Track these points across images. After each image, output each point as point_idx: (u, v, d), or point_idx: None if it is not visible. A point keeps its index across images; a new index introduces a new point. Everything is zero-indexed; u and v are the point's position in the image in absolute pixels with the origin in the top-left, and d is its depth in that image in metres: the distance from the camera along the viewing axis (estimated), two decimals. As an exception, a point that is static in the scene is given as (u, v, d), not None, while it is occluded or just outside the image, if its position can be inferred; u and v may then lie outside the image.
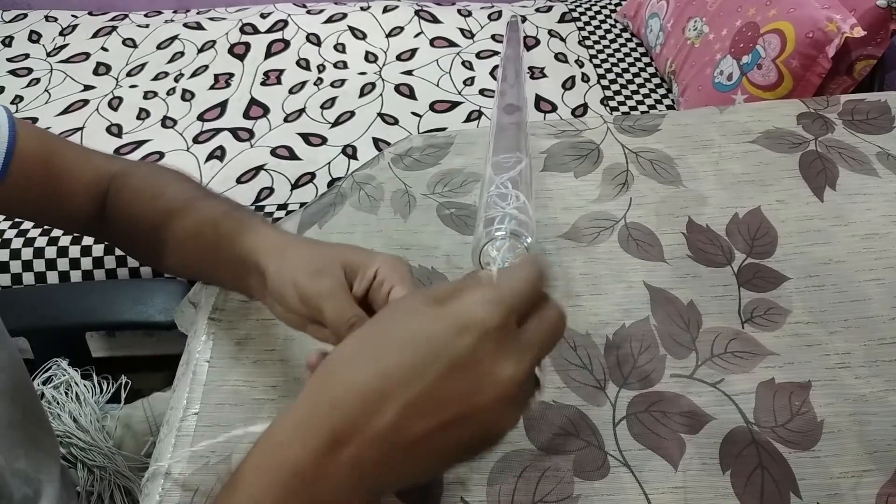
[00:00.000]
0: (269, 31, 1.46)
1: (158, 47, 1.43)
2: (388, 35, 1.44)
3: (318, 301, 0.37)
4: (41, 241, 1.03)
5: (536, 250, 0.36)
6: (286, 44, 1.42)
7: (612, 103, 1.26)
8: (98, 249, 1.02)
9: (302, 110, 1.26)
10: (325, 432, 0.26)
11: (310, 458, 0.26)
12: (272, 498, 0.26)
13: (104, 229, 0.52)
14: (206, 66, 1.37)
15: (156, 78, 1.35)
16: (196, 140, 1.21)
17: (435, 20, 1.47)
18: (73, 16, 1.53)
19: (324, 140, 1.19)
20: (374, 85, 1.31)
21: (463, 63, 1.36)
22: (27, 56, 1.42)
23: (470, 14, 1.49)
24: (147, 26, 1.48)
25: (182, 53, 1.41)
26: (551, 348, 0.29)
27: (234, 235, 0.43)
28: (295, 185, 1.11)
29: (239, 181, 1.12)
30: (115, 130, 1.23)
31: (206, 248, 0.45)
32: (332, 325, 0.37)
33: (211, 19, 1.50)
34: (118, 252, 1.02)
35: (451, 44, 1.41)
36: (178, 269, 0.51)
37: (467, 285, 0.28)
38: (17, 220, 1.07)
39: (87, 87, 1.33)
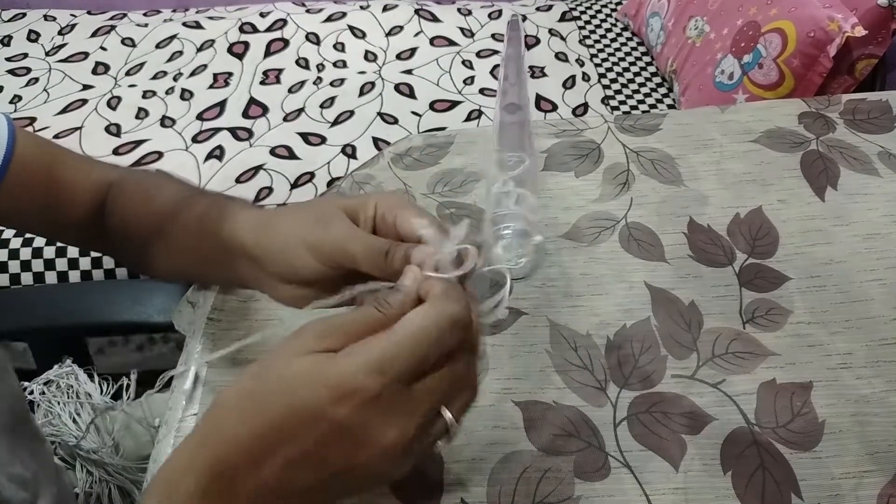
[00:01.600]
0: (269, 30, 1.45)
1: (157, 46, 1.42)
2: (388, 34, 1.44)
3: (341, 245, 0.35)
4: (40, 241, 1.02)
5: (542, 248, 0.36)
6: (285, 43, 1.42)
7: (613, 102, 1.26)
8: (97, 249, 1.02)
9: (301, 110, 1.26)
10: (214, 477, 0.27)
11: (199, 495, 0.27)
12: None
13: (103, 240, 0.51)
14: (205, 66, 1.36)
15: (155, 77, 1.35)
16: (195, 139, 1.20)
17: (435, 19, 1.47)
18: (71, 15, 1.52)
19: (323, 139, 1.19)
20: (373, 84, 1.30)
21: (463, 62, 1.36)
22: (26, 55, 1.41)
23: (470, 13, 1.49)
24: (146, 25, 1.48)
25: (181, 53, 1.40)
26: (465, 396, 0.29)
27: (215, 226, 0.41)
28: (294, 185, 1.11)
29: (238, 181, 1.12)
30: (113, 130, 1.23)
31: (193, 246, 0.44)
32: (367, 262, 0.34)
33: (210, 18, 1.49)
34: (117, 252, 1.02)
35: (451, 43, 1.41)
36: (171, 273, 0.50)
37: (354, 346, 0.28)
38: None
39: (86, 87, 1.33)
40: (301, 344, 0.28)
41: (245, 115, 1.25)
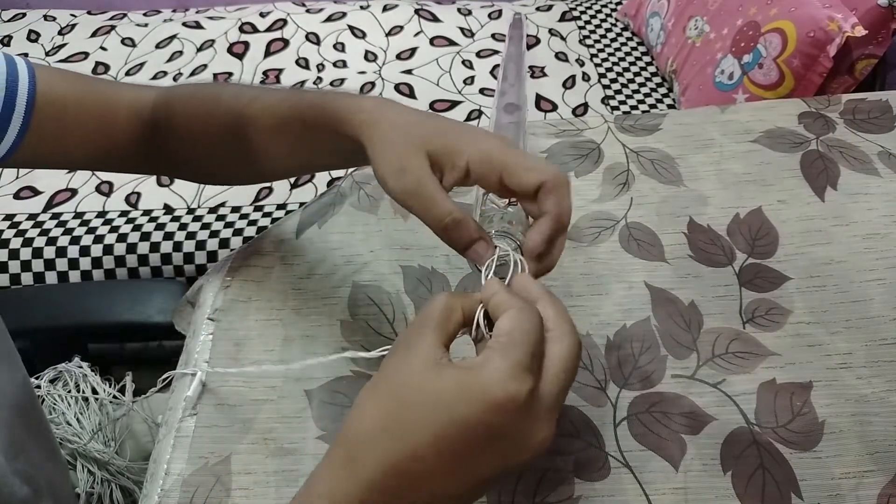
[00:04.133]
0: (269, 30, 1.45)
1: (157, 46, 1.42)
2: (388, 34, 1.44)
3: (404, 201, 0.36)
4: (40, 242, 1.03)
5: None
6: (285, 43, 1.42)
7: (613, 102, 1.26)
8: (97, 250, 1.02)
9: (301, 109, 1.26)
10: None
11: None
12: None
13: (159, 156, 0.50)
14: (205, 66, 1.36)
15: (155, 77, 1.35)
16: (195, 139, 1.20)
17: (435, 19, 1.47)
18: (71, 15, 1.52)
19: (323, 139, 1.19)
20: (373, 84, 1.30)
21: (463, 62, 1.36)
22: (26, 55, 1.41)
23: (470, 13, 1.49)
24: (146, 25, 1.48)
25: (181, 53, 1.40)
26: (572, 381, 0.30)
27: (330, 126, 0.40)
28: (294, 185, 1.11)
29: (238, 181, 1.12)
30: (114, 130, 1.23)
31: (301, 142, 0.43)
32: (428, 225, 0.36)
33: (210, 18, 1.49)
34: (117, 252, 1.02)
35: (451, 43, 1.41)
36: (266, 172, 0.49)
37: (490, 354, 0.28)
38: (21, 213, 1.07)
39: (86, 87, 1.33)
40: (427, 354, 0.29)
41: (245, 115, 1.25)
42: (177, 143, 0.49)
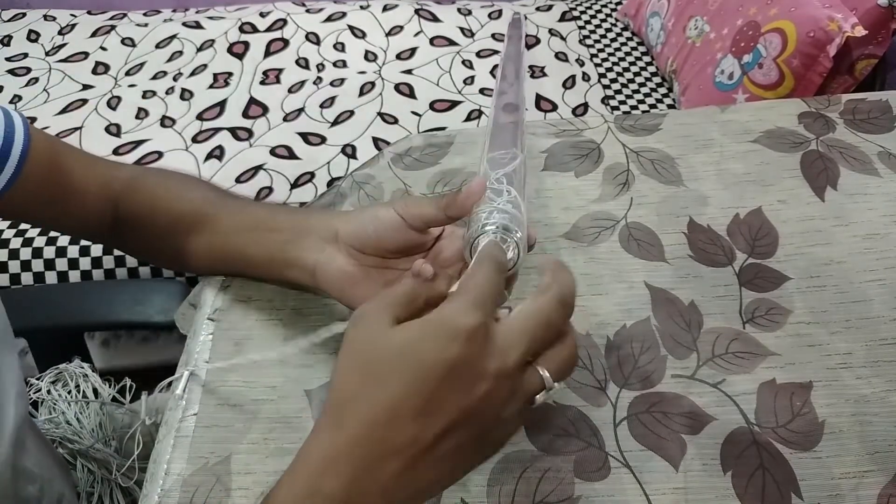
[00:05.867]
0: (269, 30, 1.45)
1: (157, 46, 1.42)
2: (388, 34, 1.44)
3: (407, 209, 0.41)
4: (39, 241, 1.03)
5: (523, 244, 0.37)
6: (285, 43, 1.42)
7: (613, 102, 1.26)
8: (97, 249, 1.02)
9: (301, 109, 1.26)
10: (349, 462, 0.29)
11: (338, 486, 0.29)
12: None
13: (115, 234, 0.53)
14: (205, 66, 1.36)
15: (154, 77, 1.35)
16: (195, 139, 1.21)
17: (435, 19, 1.47)
18: (71, 15, 1.53)
19: (323, 139, 1.19)
20: (373, 84, 1.30)
21: (463, 62, 1.36)
22: (26, 55, 1.41)
23: (470, 13, 1.49)
24: (146, 25, 1.48)
25: (181, 52, 1.40)
26: (547, 335, 0.31)
27: (278, 250, 0.46)
28: (294, 185, 1.11)
29: (238, 181, 1.12)
30: (113, 130, 1.23)
31: (243, 256, 0.47)
32: (426, 220, 0.41)
33: (210, 18, 1.49)
34: (117, 252, 1.02)
35: (451, 43, 1.41)
36: (204, 271, 0.53)
37: (444, 302, 0.31)
38: (13, 220, 1.07)
39: (86, 87, 1.33)
40: (381, 317, 0.31)
41: (245, 115, 1.25)
42: (132, 221, 0.51)
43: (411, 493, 0.30)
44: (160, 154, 1.17)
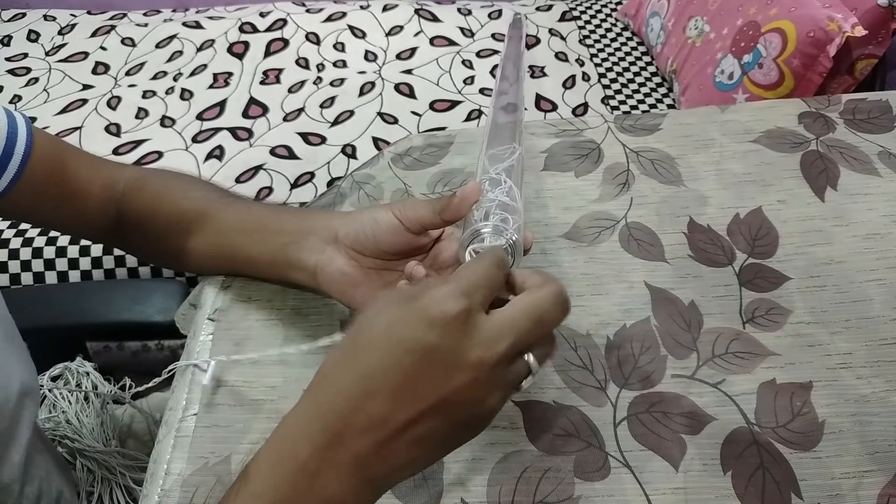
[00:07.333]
0: (269, 30, 1.45)
1: (157, 46, 1.42)
2: (388, 34, 1.44)
3: (404, 212, 0.42)
4: (39, 241, 1.03)
5: (517, 243, 0.37)
6: (285, 43, 1.42)
7: (613, 102, 1.26)
8: (97, 249, 1.02)
9: (301, 109, 1.26)
10: (322, 431, 0.29)
11: (311, 453, 0.29)
12: (280, 490, 0.29)
13: (118, 235, 0.53)
14: (205, 66, 1.36)
15: (154, 77, 1.35)
16: (195, 139, 1.20)
17: (435, 19, 1.47)
18: (71, 15, 1.52)
19: (323, 139, 1.19)
20: (373, 84, 1.30)
21: (463, 62, 1.36)
22: (26, 55, 1.41)
23: (470, 13, 1.49)
24: (146, 25, 1.48)
25: (181, 52, 1.40)
26: (537, 330, 0.31)
27: (278, 270, 0.47)
28: (294, 185, 1.11)
29: (238, 181, 1.12)
30: (113, 130, 1.23)
31: (245, 256, 0.48)
32: (423, 223, 0.41)
33: (210, 18, 1.49)
34: (117, 252, 1.02)
35: (451, 43, 1.41)
36: (205, 270, 0.53)
37: (434, 282, 0.31)
38: (16, 220, 1.07)
39: (86, 87, 1.33)
40: (385, 302, 0.31)
41: (245, 114, 1.25)
42: (135, 221, 0.51)
43: (386, 471, 0.30)
44: (160, 154, 1.17)
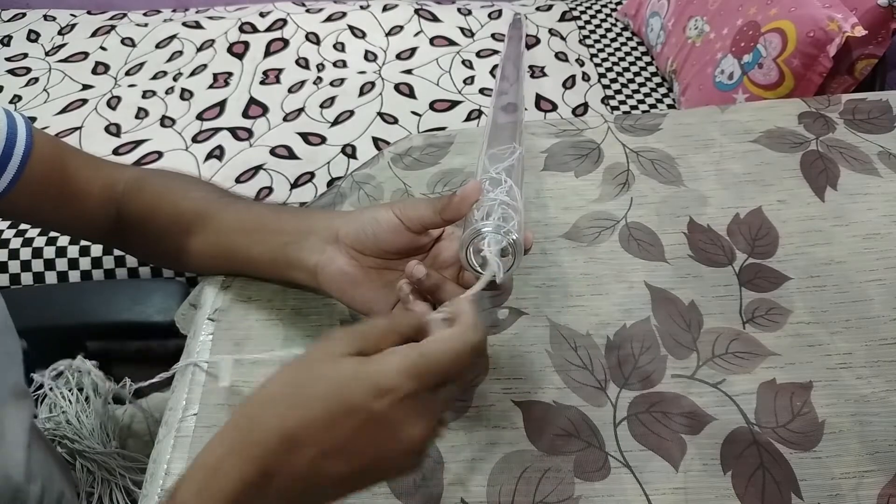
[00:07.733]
0: (269, 30, 1.45)
1: (157, 46, 1.42)
2: (388, 34, 1.44)
3: (404, 211, 0.42)
4: (39, 241, 1.02)
5: (518, 242, 0.37)
6: (285, 43, 1.42)
7: (613, 102, 1.26)
8: (97, 249, 1.02)
9: (301, 109, 1.26)
10: (253, 465, 0.30)
11: (240, 485, 0.29)
12: None
13: (118, 235, 0.53)
14: (205, 66, 1.36)
15: (154, 77, 1.35)
16: (195, 139, 1.20)
17: (435, 19, 1.47)
18: (71, 15, 1.52)
19: (323, 139, 1.19)
20: (373, 84, 1.30)
21: (463, 62, 1.36)
22: (26, 55, 1.41)
23: (470, 13, 1.49)
24: (146, 25, 1.48)
25: (181, 52, 1.40)
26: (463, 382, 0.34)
27: (279, 270, 0.47)
28: (294, 185, 1.11)
29: (238, 181, 1.12)
30: (113, 130, 1.23)
31: (246, 256, 0.48)
32: (424, 222, 0.41)
33: (210, 18, 1.49)
34: (117, 252, 1.02)
35: (451, 43, 1.41)
36: (206, 270, 0.53)
37: (392, 351, 0.31)
38: (16, 220, 1.07)
39: (86, 87, 1.33)
40: (334, 347, 0.32)
41: (245, 115, 1.25)
42: (135, 221, 0.51)
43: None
44: (160, 154, 1.17)
